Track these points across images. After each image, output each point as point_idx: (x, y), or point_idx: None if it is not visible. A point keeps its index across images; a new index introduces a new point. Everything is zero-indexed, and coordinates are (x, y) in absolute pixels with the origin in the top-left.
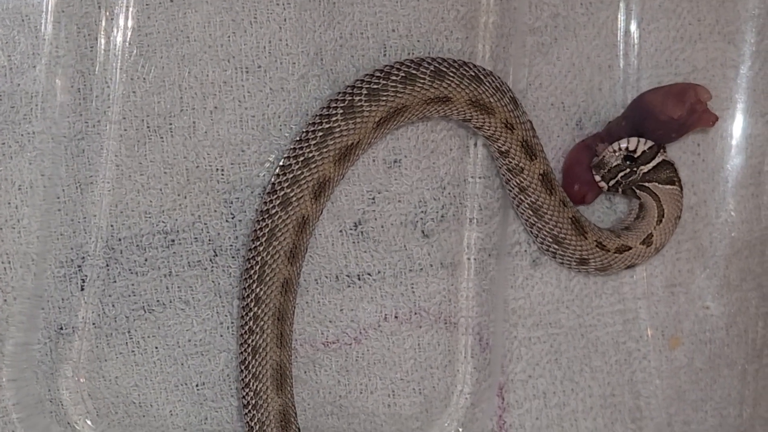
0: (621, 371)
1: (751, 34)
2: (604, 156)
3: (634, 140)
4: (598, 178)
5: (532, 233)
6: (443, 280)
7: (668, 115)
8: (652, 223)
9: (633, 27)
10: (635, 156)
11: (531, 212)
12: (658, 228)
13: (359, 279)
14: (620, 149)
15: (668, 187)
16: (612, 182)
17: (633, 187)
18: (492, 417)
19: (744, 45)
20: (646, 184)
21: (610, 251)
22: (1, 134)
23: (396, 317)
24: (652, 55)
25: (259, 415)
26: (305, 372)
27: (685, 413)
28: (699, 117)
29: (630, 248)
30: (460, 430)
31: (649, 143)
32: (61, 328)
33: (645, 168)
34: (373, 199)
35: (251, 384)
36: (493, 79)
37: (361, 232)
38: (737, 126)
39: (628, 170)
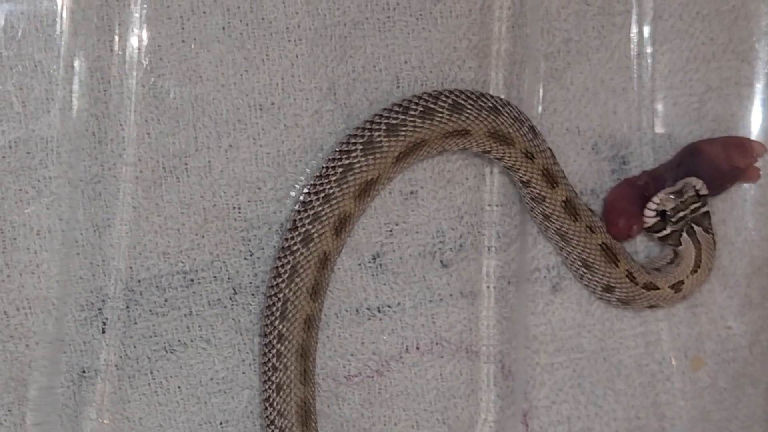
0: (645, 394)
1: (765, 51)
2: (684, 186)
3: (700, 182)
4: (653, 208)
5: (561, 256)
6: (463, 310)
7: (733, 165)
8: (686, 271)
9: (646, 49)
10: (699, 196)
11: (558, 238)
12: (692, 277)
13: (379, 311)
14: (696, 186)
15: (708, 235)
16: (680, 214)
17: (685, 229)
18: None
19: (758, 63)
20: (695, 228)
21: (638, 285)
22: (18, 180)
23: (417, 348)
24: (666, 76)
25: None
26: (328, 406)
27: None
28: (746, 172)
29: (657, 289)
30: None
31: (707, 190)
32: (84, 371)
33: (703, 209)
34: (391, 231)
35: (276, 421)
36: (511, 109)
37: (380, 265)
38: None
39: (700, 204)
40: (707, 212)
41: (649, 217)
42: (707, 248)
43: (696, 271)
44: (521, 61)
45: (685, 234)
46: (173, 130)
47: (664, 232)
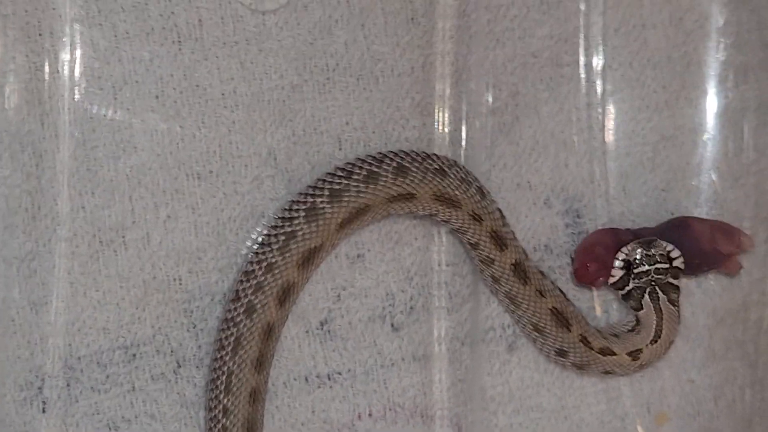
0: None
1: (719, 97)
2: (655, 241)
3: (677, 251)
4: (621, 257)
5: (513, 319)
6: (416, 374)
7: (716, 249)
8: (645, 340)
9: (596, 100)
10: (671, 264)
11: (508, 301)
12: (651, 347)
13: (329, 379)
14: (668, 249)
15: (672, 308)
16: (643, 268)
17: (647, 291)
18: None
19: (712, 109)
20: (660, 295)
21: (594, 350)
22: None
23: (370, 415)
24: (618, 126)
25: None
26: None
27: None
28: (728, 261)
29: (614, 354)
30: None
31: (683, 264)
32: None
33: (670, 280)
34: (338, 296)
35: None
36: (458, 170)
37: (328, 331)
38: (711, 192)
39: (667, 268)
40: (677, 287)
41: (617, 267)
42: (669, 319)
43: (656, 342)
44: (467, 117)
45: (647, 297)
46: (108, 202)
47: (627, 288)
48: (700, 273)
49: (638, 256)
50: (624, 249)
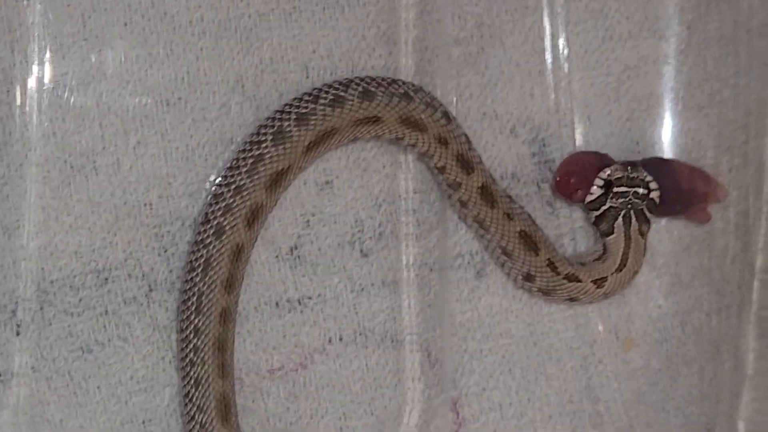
0: (577, 377)
1: (682, 27)
2: (636, 165)
3: (656, 184)
4: (603, 176)
5: (482, 244)
6: (386, 299)
7: (693, 188)
8: (611, 268)
9: (560, 30)
10: (649, 194)
11: (477, 225)
12: (615, 275)
13: (300, 303)
14: (648, 179)
15: (641, 239)
16: (622, 189)
17: (621, 214)
18: None
19: (675, 40)
20: (632, 222)
21: (560, 275)
22: None
23: (341, 339)
24: (582, 56)
25: None
26: (253, 401)
27: (647, 415)
28: (700, 209)
29: (579, 281)
30: None
31: (659, 197)
32: None
33: (645, 210)
34: (308, 222)
35: (196, 417)
36: (424, 94)
37: (298, 257)
38: (674, 121)
39: (643, 194)
40: (649, 221)
41: (597, 185)
42: (636, 250)
43: (621, 270)
44: (433, 47)
45: (620, 220)
46: (79, 128)
47: (602, 208)
48: (672, 213)
49: (619, 176)
50: (607, 169)
